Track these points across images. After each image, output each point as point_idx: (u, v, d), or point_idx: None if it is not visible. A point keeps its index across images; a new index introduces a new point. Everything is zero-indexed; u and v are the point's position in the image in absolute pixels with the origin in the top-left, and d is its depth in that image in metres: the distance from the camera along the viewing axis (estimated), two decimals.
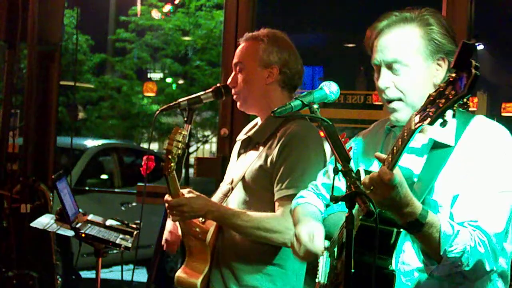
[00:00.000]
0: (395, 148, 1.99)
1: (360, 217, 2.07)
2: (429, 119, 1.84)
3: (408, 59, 2.26)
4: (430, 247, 2.12)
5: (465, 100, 1.79)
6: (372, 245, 1.96)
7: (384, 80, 2.29)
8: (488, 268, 2.14)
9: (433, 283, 2.21)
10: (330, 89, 2.34)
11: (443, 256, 2.09)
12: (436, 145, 2.25)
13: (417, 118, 1.90)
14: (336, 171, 2.08)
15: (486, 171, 2.19)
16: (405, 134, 1.95)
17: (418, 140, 2.28)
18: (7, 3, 5.35)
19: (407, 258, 2.25)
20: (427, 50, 2.27)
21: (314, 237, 2.31)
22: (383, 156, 2.03)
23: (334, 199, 2.04)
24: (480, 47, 21.64)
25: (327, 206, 2.57)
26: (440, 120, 1.82)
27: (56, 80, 5.81)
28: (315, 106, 2.28)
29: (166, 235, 3.34)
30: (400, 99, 2.28)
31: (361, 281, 2.01)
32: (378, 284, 2.06)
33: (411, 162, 2.26)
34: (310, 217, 2.46)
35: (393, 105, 2.30)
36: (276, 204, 2.98)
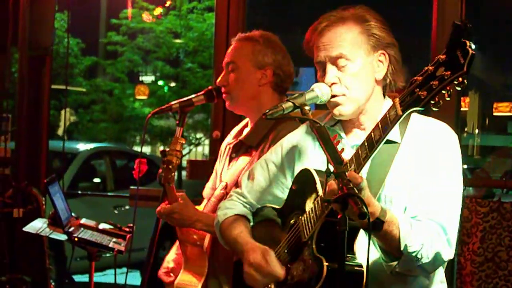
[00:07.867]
0: (373, 134, 2.02)
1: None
2: (422, 102, 1.87)
3: (351, 54, 2.30)
4: (390, 245, 2.14)
5: (460, 79, 1.80)
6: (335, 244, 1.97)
7: (330, 76, 2.33)
8: (445, 258, 2.20)
9: (395, 278, 2.23)
10: (321, 90, 2.33)
11: (404, 252, 2.12)
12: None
13: (401, 103, 1.93)
14: (328, 173, 2.08)
15: (436, 167, 2.24)
16: (389, 120, 1.97)
17: (362, 138, 2.23)
18: None
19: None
20: (368, 46, 2.32)
21: (270, 259, 2.31)
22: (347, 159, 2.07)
23: (327, 201, 2.05)
24: (471, 46, 21.68)
25: (253, 214, 2.58)
26: (432, 103, 1.86)
27: (48, 83, 5.80)
28: (307, 107, 2.28)
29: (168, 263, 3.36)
30: (344, 95, 2.32)
31: (334, 280, 2.02)
32: (350, 280, 2.09)
33: None
34: (250, 238, 2.46)
35: (337, 99, 2.33)
36: None
